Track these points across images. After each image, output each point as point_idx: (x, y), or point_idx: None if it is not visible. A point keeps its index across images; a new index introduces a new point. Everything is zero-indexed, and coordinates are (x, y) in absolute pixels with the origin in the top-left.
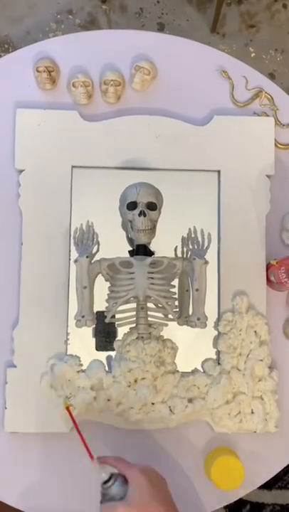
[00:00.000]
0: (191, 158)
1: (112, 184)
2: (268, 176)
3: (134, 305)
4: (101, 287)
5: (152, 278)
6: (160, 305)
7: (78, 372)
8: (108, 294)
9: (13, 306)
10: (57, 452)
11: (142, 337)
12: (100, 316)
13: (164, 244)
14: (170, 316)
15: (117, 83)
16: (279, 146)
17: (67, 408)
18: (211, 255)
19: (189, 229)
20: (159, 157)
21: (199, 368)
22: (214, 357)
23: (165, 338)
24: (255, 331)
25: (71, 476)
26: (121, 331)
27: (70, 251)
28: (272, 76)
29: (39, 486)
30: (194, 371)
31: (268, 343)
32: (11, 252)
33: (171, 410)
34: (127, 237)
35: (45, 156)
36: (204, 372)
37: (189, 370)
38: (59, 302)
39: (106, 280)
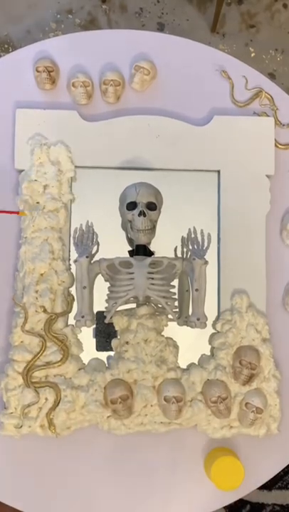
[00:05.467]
0: (191, 158)
1: (112, 184)
2: (268, 176)
3: (133, 305)
4: (101, 287)
5: (152, 278)
6: (160, 305)
7: (79, 370)
8: (108, 295)
9: (11, 308)
10: (57, 453)
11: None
12: (100, 316)
13: (164, 244)
14: (170, 316)
15: (116, 83)
16: (279, 146)
17: None
18: (210, 255)
19: (189, 229)
20: (159, 157)
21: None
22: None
23: (166, 336)
24: (256, 329)
25: (71, 476)
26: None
27: (69, 251)
28: (272, 76)
29: (38, 486)
30: (190, 366)
31: (270, 342)
32: (10, 252)
33: None
34: (127, 237)
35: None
36: (199, 365)
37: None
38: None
39: (106, 280)
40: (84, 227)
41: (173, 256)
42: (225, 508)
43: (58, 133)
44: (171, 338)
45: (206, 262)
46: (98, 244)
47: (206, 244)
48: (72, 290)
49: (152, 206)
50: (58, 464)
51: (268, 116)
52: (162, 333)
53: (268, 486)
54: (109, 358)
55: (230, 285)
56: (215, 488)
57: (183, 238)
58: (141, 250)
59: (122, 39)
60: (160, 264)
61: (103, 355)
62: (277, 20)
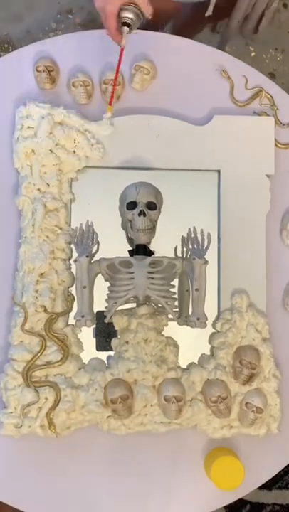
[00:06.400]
0: (191, 158)
1: (112, 184)
2: (268, 176)
3: (133, 305)
4: (101, 287)
5: (152, 278)
6: (160, 305)
7: (79, 369)
8: (108, 294)
9: (9, 308)
10: (57, 453)
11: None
12: (100, 315)
13: (164, 244)
14: (170, 316)
15: (116, 83)
16: (279, 145)
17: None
18: (210, 255)
19: (189, 229)
20: (159, 157)
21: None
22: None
23: (166, 336)
24: (256, 329)
25: (71, 476)
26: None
27: (71, 251)
28: (272, 75)
29: (38, 486)
30: (190, 365)
31: (270, 341)
32: (9, 252)
33: None
34: (127, 237)
35: None
36: (199, 365)
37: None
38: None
39: (106, 280)
40: (84, 227)
41: (173, 256)
42: (225, 508)
43: None
44: (171, 338)
45: (206, 262)
46: (98, 243)
47: (206, 243)
48: (73, 290)
49: (152, 206)
50: (58, 464)
51: (268, 115)
52: (162, 333)
53: (268, 486)
54: (109, 357)
55: (230, 285)
56: (215, 488)
57: (183, 238)
58: (141, 250)
59: None
60: (160, 263)
61: (103, 355)
62: (278, 20)
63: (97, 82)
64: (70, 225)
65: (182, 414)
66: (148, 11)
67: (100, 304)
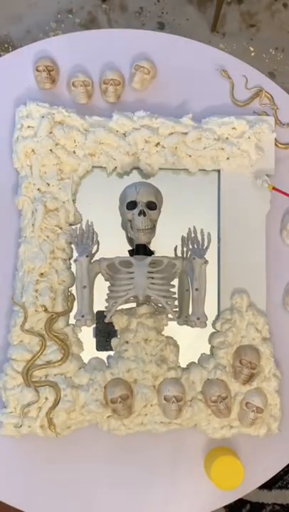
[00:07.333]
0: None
1: (112, 184)
2: (268, 176)
3: (133, 305)
4: (101, 287)
5: (152, 278)
6: (160, 304)
7: (79, 369)
8: (108, 294)
9: (9, 308)
10: (57, 453)
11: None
12: (100, 315)
13: (164, 244)
14: (170, 315)
15: (116, 82)
16: (279, 145)
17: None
18: (210, 255)
19: (189, 229)
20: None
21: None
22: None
23: (166, 335)
24: (256, 328)
25: (71, 476)
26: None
27: (71, 250)
28: (272, 75)
29: (38, 486)
30: (190, 365)
31: (270, 341)
32: (9, 252)
33: None
34: (127, 236)
35: None
36: (199, 365)
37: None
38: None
39: (106, 280)
40: (84, 227)
41: (173, 255)
42: (225, 507)
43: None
44: (172, 338)
45: (206, 262)
46: (98, 243)
47: (206, 243)
48: (73, 289)
49: (152, 205)
50: (58, 464)
51: (268, 115)
52: (162, 333)
53: (268, 486)
54: (109, 357)
55: (230, 284)
56: (215, 487)
57: (183, 237)
58: (141, 250)
59: (122, 38)
60: (160, 263)
61: (103, 355)
62: (278, 20)
63: (97, 82)
64: (70, 225)
65: (182, 414)
66: None
67: (100, 304)
